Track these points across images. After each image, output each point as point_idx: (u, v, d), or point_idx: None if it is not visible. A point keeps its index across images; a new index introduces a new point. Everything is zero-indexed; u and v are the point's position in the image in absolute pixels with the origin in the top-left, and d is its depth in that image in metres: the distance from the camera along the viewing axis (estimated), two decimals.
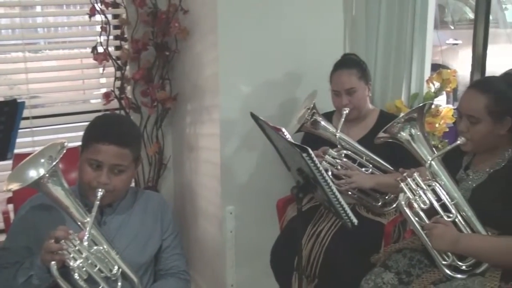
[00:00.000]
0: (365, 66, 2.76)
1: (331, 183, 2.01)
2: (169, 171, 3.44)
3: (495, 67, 3.76)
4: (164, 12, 3.10)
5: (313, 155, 1.93)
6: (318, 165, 1.96)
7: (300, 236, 2.40)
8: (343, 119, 2.65)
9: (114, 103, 3.21)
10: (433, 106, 3.08)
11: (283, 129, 2.35)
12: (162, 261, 2.18)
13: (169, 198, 3.40)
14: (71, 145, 2.10)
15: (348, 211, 2.06)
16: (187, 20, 3.09)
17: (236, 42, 2.84)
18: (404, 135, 2.21)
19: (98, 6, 3.06)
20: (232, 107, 2.89)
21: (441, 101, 3.49)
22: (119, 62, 3.18)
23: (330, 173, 2.57)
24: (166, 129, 3.37)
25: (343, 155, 2.63)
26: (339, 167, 2.60)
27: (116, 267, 1.90)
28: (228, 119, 2.89)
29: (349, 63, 2.73)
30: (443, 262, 2.07)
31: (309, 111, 2.65)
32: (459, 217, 2.08)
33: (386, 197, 2.66)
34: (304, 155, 1.93)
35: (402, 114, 2.26)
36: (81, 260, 1.79)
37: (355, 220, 2.07)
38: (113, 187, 1.97)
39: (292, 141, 2.13)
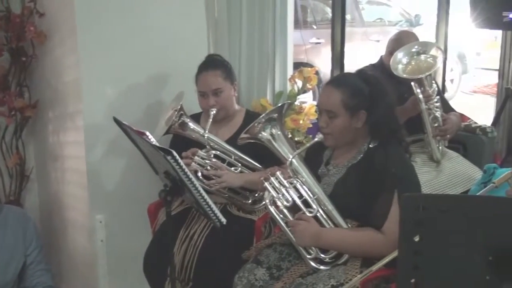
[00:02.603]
0: (229, 66, 2.80)
1: (197, 185, 2.01)
2: (33, 183, 3.27)
3: (353, 64, 3.97)
4: (18, 16, 2.94)
5: (177, 157, 1.92)
6: (184, 167, 1.96)
7: (171, 240, 2.38)
8: (210, 120, 2.66)
9: None
10: (297, 103, 3.20)
11: (147, 133, 2.32)
12: (26, 278, 2.09)
13: (34, 211, 3.24)
14: None
15: (216, 211, 2.08)
16: (44, 24, 2.95)
17: (97, 45, 2.75)
18: (265, 135, 2.27)
19: None
20: (96, 112, 2.80)
21: (307, 98, 3.62)
22: None
23: (200, 174, 2.57)
24: (27, 139, 3.20)
25: (212, 156, 2.64)
26: (208, 167, 2.61)
27: None
28: (92, 125, 2.80)
29: (213, 64, 2.75)
30: (308, 256, 2.15)
31: (176, 112, 2.64)
32: (321, 212, 2.16)
33: (256, 195, 2.71)
34: (169, 157, 1.91)
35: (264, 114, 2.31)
36: None
37: (223, 220, 2.09)
38: None
39: (157, 144, 2.11)
